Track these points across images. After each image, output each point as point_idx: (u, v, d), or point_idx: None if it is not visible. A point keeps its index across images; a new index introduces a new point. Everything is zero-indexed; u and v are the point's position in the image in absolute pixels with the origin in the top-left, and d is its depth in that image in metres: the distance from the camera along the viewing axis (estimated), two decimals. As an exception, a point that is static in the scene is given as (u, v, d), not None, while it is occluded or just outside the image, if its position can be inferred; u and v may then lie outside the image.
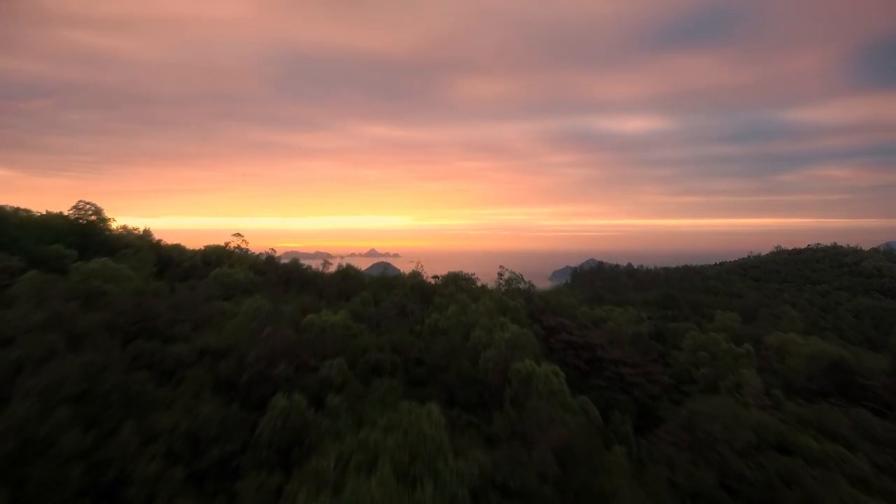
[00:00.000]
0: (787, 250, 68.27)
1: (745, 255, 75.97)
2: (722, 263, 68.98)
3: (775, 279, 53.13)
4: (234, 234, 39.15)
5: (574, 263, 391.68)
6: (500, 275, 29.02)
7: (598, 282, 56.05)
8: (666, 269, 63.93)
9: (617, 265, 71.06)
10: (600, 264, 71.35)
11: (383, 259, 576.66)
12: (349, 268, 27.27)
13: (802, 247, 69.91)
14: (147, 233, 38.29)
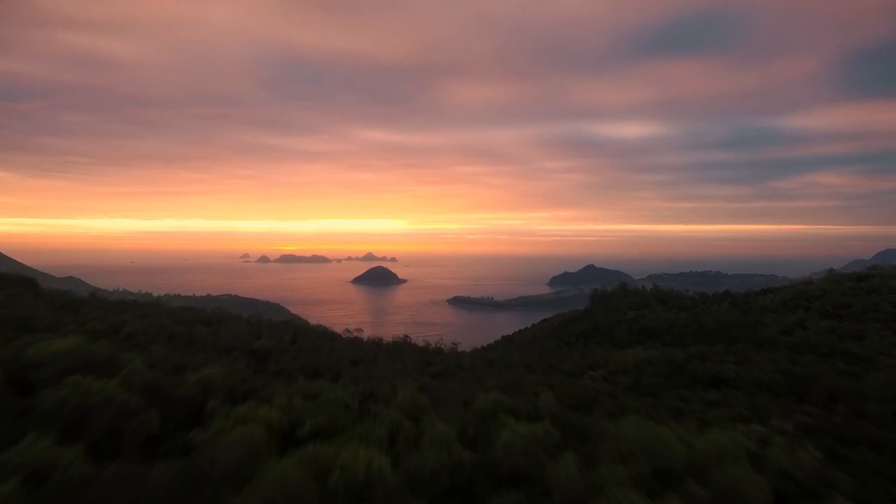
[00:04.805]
0: (847, 275, 58.55)
1: (798, 280, 66.07)
2: (772, 290, 58.61)
3: (851, 315, 42.90)
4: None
5: (572, 269, 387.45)
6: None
7: (630, 313, 45.63)
8: (704, 296, 53.86)
9: (643, 287, 61.75)
10: (624, 285, 61.41)
11: (381, 263, 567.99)
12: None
13: (861, 270, 60.78)
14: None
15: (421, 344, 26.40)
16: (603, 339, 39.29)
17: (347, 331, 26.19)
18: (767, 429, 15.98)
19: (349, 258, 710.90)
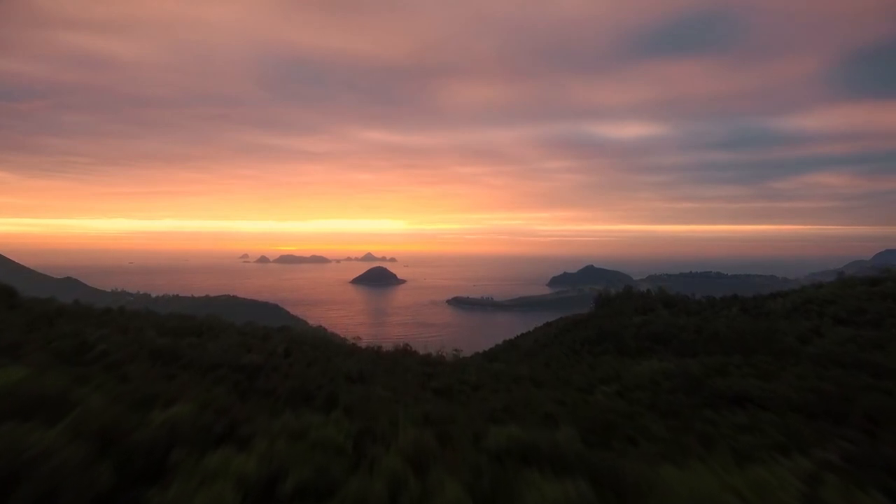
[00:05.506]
0: (859, 278, 57.05)
1: (798, 281, 64.96)
2: (781, 294, 57.51)
3: (867, 322, 41.73)
4: None
5: (572, 269, 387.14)
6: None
7: (636, 318, 44.68)
8: (711, 300, 52.85)
9: (649, 291, 60.44)
10: (629, 288, 60.24)
11: (380, 263, 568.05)
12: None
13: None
14: None
15: (421, 350, 25.48)
16: (609, 344, 38.11)
17: (346, 339, 25.15)
18: (811, 461, 14.75)
19: (348, 258, 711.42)
